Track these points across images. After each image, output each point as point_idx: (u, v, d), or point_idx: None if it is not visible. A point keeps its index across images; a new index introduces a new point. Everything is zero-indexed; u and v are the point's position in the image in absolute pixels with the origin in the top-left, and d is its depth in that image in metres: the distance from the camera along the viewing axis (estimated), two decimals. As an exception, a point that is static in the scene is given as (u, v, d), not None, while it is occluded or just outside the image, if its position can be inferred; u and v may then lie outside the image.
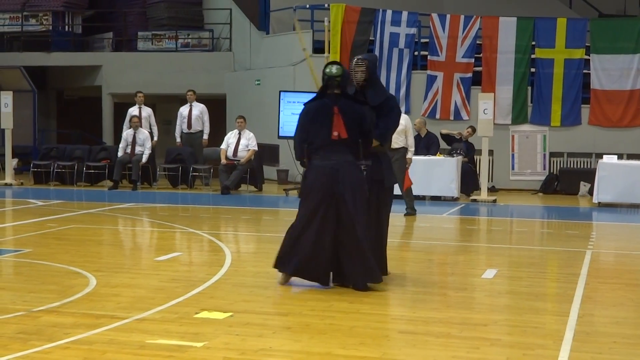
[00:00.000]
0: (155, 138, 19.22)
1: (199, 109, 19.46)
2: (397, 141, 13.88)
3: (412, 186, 14.12)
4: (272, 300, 7.56)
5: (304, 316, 6.73)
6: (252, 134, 18.19)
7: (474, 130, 18.14)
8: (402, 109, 14.30)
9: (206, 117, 19.43)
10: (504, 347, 5.95)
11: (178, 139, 19.64)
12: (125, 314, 6.62)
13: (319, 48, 20.44)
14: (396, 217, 13.74)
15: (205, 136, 19.40)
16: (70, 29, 25.49)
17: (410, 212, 14.13)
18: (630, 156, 18.23)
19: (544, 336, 6.24)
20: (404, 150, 13.91)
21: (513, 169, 19.61)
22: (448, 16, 19.93)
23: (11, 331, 6.07)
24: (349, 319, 6.65)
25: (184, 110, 19.58)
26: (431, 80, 19.90)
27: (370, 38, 20.14)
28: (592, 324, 6.67)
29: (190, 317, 6.58)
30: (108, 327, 6.21)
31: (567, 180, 18.90)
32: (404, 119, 14.04)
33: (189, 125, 19.39)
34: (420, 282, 8.50)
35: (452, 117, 19.72)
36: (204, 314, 6.66)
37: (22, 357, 5.43)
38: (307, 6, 20.96)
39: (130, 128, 18.90)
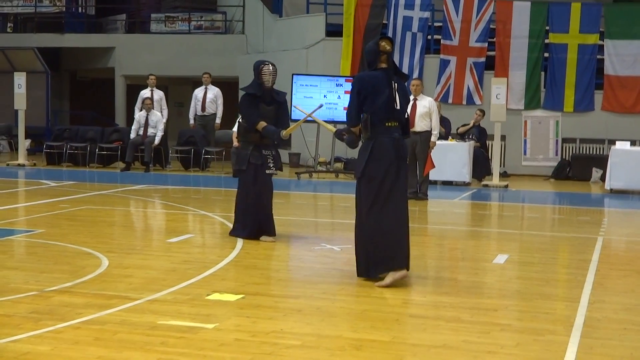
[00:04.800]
0: (164, 120, 19.21)
1: (213, 92, 19.47)
2: (420, 124, 13.90)
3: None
4: (283, 283, 7.59)
5: (315, 299, 6.75)
6: (264, 117, 18.14)
7: (483, 112, 18.12)
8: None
9: (220, 101, 19.45)
10: (515, 332, 5.95)
11: (192, 121, 19.66)
12: (137, 295, 6.65)
13: (332, 31, 20.43)
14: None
15: (218, 120, 19.41)
16: (83, 11, 25.56)
17: (422, 197, 14.12)
18: (643, 143, 18.21)
19: (555, 322, 6.24)
20: (428, 133, 13.93)
21: (525, 154, 19.58)
22: (462, 0, 19.85)
23: (24, 311, 6.11)
24: (360, 303, 6.67)
25: (198, 92, 19.59)
26: (444, 64, 19.86)
27: (384, 21, 20.10)
28: (603, 311, 6.66)
29: (202, 298, 6.61)
30: (120, 308, 6.24)
31: (579, 166, 18.86)
32: (428, 102, 14.08)
33: (203, 108, 19.41)
34: (431, 267, 8.52)
35: (464, 102, 19.70)
36: (216, 296, 6.69)
37: (35, 337, 5.47)
38: (321, -11, 20.95)
39: (142, 110, 18.93)
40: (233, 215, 9.91)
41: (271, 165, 9.55)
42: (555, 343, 5.67)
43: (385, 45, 7.53)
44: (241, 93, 9.99)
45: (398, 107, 7.54)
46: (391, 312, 6.48)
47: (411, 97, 14.05)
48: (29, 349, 5.21)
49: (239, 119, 18.50)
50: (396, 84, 7.55)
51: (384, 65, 7.55)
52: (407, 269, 7.50)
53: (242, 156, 9.54)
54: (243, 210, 9.60)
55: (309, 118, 9.57)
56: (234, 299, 6.63)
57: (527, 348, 5.55)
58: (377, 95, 7.45)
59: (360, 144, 7.72)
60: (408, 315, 6.47)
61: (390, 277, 7.30)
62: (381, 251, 7.37)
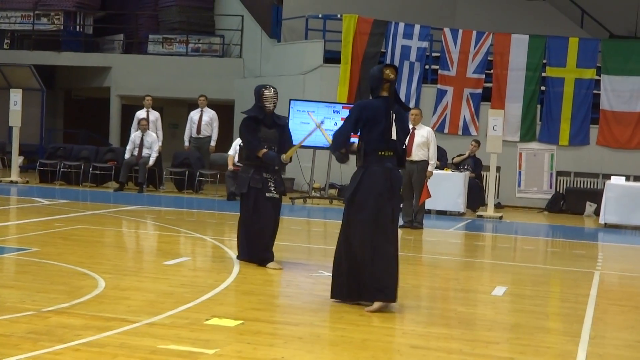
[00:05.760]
0: (160, 143, 19.13)
1: (209, 114, 19.45)
2: (418, 154, 13.89)
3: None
4: (282, 309, 7.52)
5: (315, 327, 6.69)
6: (259, 141, 18.11)
7: (478, 143, 18.15)
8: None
9: (216, 124, 19.43)
10: (517, 366, 5.91)
11: (187, 143, 19.63)
12: (135, 318, 6.57)
13: (330, 58, 20.47)
14: (403, 230, 13.73)
15: (213, 142, 19.37)
16: (81, 29, 25.55)
17: (418, 226, 14.09)
18: (638, 178, 18.27)
19: (557, 356, 6.19)
20: (425, 163, 13.92)
21: (519, 186, 19.59)
22: (460, 31, 19.94)
23: (22, 331, 6.03)
24: (360, 332, 6.60)
25: (194, 114, 19.57)
26: (441, 94, 19.90)
27: (382, 50, 20.14)
28: (604, 346, 6.62)
29: (201, 323, 6.53)
30: (119, 331, 6.16)
31: (573, 200, 18.88)
32: (426, 132, 14.07)
33: (198, 130, 19.39)
34: (429, 297, 8.47)
35: (460, 132, 19.72)
36: (215, 321, 6.61)
37: (34, 358, 5.38)
38: (320, 16, 20.99)
39: (138, 130, 18.88)
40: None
41: (272, 189, 9.41)
42: (559, 378, 5.62)
43: (389, 73, 7.53)
44: (237, 117, 10.03)
45: (394, 138, 7.48)
46: (392, 342, 6.42)
47: (410, 127, 14.07)
48: (28, 370, 5.14)
49: (239, 142, 18.64)
50: (395, 115, 7.50)
51: (385, 94, 7.53)
52: (395, 300, 7.46)
53: (243, 179, 9.51)
54: (243, 236, 9.58)
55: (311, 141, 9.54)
56: (233, 324, 6.56)
57: (531, 383, 5.50)
58: (374, 125, 7.43)
59: (348, 162, 7.80)
60: (409, 346, 6.40)
61: (378, 304, 7.32)
62: (368, 281, 7.33)
